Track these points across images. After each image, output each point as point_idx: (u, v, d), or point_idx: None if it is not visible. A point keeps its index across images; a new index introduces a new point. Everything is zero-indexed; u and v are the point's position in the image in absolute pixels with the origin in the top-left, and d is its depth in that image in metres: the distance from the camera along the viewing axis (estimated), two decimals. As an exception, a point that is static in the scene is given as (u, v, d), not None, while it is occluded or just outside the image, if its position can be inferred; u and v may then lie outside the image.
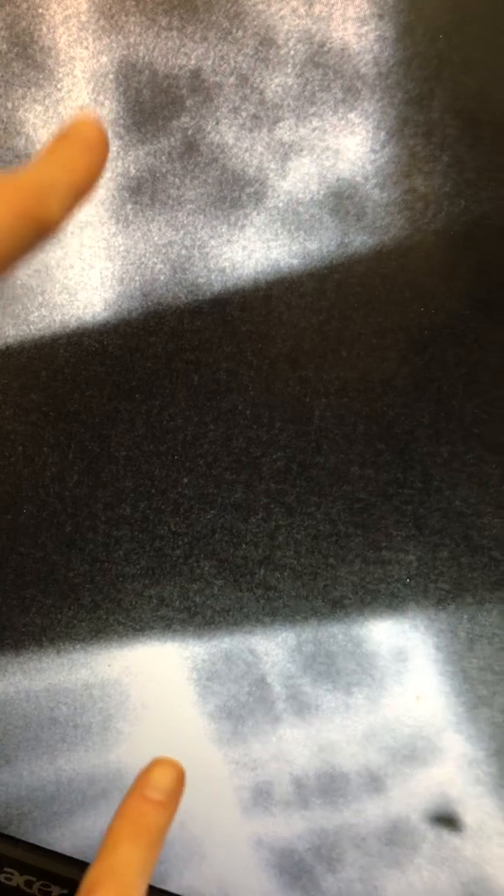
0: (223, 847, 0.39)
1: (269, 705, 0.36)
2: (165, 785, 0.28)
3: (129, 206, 0.34)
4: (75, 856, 0.40)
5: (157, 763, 0.28)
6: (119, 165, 0.33)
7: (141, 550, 0.36)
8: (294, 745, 0.36)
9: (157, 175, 0.33)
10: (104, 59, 0.33)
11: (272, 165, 0.32)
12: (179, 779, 0.28)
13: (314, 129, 0.31)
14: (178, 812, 0.39)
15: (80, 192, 0.20)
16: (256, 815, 0.38)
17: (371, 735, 0.36)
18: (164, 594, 0.37)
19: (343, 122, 0.31)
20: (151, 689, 0.38)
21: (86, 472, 0.36)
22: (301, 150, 0.32)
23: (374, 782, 0.36)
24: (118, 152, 0.33)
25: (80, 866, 0.40)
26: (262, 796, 0.37)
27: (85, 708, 0.39)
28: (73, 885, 0.40)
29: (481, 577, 0.33)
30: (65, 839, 0.40)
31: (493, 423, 0.32)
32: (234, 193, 0.32)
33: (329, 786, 0.36)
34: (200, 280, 0.34)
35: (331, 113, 0.31)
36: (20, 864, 0.40)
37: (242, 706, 0.37)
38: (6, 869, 0.40)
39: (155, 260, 0.34)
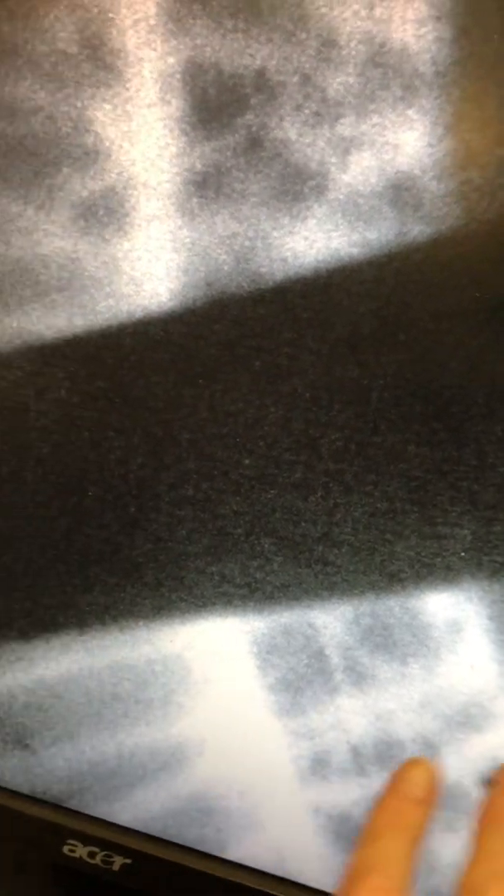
0: (281, 816, 0.40)
1: (327, 677, 0.38)
2: (422, 783, 0.29)
3: (194, 200, 0.35)
4: (136, 827, 0.42)
5: (412, 763, 0.29)
6: (185, 161, 0.35)
7: (203, 529, 0.38)
8: (351, 715, 0.38)
9: (222, 170, 0.35)
10: (171, 60, 0.34)
11: (333, 160, 0.34)
12: (434, 779, 0.29)
13: (374, 125, 0.33)
14: (238, 782, 0.41)
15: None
16: (314, 784, 0.39)
17: (426, 703, 0.37)
18: (225, 571, 0.38)
19: (402, 119, 0.33)
20: (213, 664, 0.39)
21: (150, 456, 0.38)
22: (361, 145, 0.33)
23: (429, 749, 0.37)
24: (184, 148, 0.35)
25: (141, 837, 0.42)
26: (319, 765, 0.39)
27: (147, 683, 0.40)
28: (134, 854, 0.41)
29: (534, 550, 0.35)
30: (125, 811, 0.42)
31: (545, 401, 0.33)
32: (297, 187, 0.34)
33: (385, 753, 0.38)
34: (263, 270, 0.35)
35: (390, 110, 0.33)
36: (83, 836, 0.42)
37: (301, 678, 0.38)
38: (69, 841, 0.42)
39: (219, 251, 0.35)
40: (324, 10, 0.33)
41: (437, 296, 0.34)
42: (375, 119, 0.33)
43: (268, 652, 0.38)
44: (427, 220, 0.33)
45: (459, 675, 0.37)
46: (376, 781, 0.38)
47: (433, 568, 0.36)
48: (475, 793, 0.37)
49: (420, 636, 0.37)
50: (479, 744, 0.37)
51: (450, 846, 0.38)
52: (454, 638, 0.36)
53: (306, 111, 0.34)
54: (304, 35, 0.33)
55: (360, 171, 0.34)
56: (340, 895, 0.25)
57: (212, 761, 0.40)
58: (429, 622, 0.36)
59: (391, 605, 0.37)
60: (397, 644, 0.37)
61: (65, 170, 0.36)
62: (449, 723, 0.37)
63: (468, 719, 0.37)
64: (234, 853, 0.41)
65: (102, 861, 0.41)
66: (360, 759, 0.38)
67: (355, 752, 0.38)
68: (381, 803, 0.27)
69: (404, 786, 0.28)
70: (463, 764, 0.37)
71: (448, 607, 0.36)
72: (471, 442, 0.35)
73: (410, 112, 0.33)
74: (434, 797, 0.28)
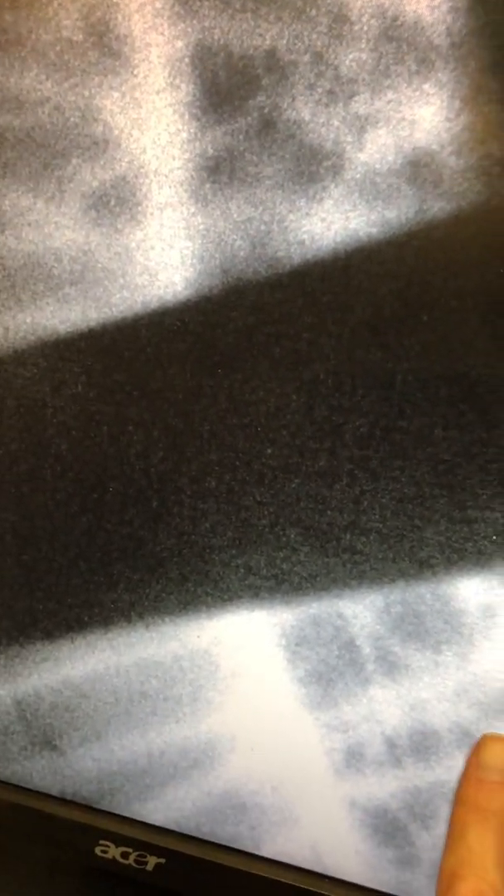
0: (316, 810, 0.39)
1: (359, 667, 0.37)
2: (499, 763, 0.27)
3: (207, 186, 0.35)
4: (168, 826, 0.41)
5: (484, 741, 0.27)
6: (197, 146, 0.34)
7: (227, 522, 0.37)
8: (385, 706, 0.37)
9: (235, 154, 0.34)
10: (179, 43, 0.34)
11: (349, 138, 0.33)
12: None
13: (389, 102, 0.32)
14: (271, 777, 0.40)
15: None
16: (349, 777, 0.39)
17: (461, 691, 0.36)
18: (251, 563, 0.38)
19: (418, 93, 0.32)
20: (241, 658, 0.39)
21: (170, 449, 0.37)
22: (377, 122, 0.33)
23: (466, 738, 0.37)
24: (196, 133, 0.34)
25: (174, 836, 0.41)
26: (354, 758, 0.38)
27: (175, 680, 0.40)
28: (167, 853, 0.41)
29: None
30: (158, 811, 0.41)
31: None
32: (312, 168, 0.33)
33: (421, 744, 0.37)
34: (280, 254, 0.35)
35: (405, 85, 0.32)
36: (115, 836, 0.41)
37: (332, 669, 0.38)
38: (101, 842, 0.41)
39: (234, 237, 0.35)
40: (334, -16, 0.32)
41: (460, 274, 0.33)
42: (391, 95, 0.32)
43: (297, 644, 0.38)
44: (447, 196, 0.32)
45: (495, 662, 0.36)
46: (412, 773, 0.38)
47: (464, 553, 0.35)
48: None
49: (453, 623, 0.36)
50: (516, 731, 0.36)
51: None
52: (488, 623, 0.35)
53: (319, 90, 0.33)
54: (314, 12, 0.32)
55: (376, 150, 0.33)
56: None
57: (243, 757, 0.40)
58: (461, 608, 0.36)
59: (422, 593, 0.36)
60: (429, 632, 0.36)
61: (74, 160, 0.36)
62: (486, 711, 0.36)
63: (505, 706, 0.36)
64: (270, 850, 0.40)
65: (136, 861, 0.41)
66: (395, 751, 0.38)
67: (390, 743, 0.38)
68: (460, 793, 0.26)
69: (479, 771, 0.27)
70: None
71: (480, 592, 0.35)
72: (500, 423, 0.34)
73: (426, 86, 0.32)
74: None
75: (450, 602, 0.36)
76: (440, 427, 0.34)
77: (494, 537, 0.35)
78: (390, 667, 0.37)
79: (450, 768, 0.37)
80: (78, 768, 0.42)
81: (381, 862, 0.39)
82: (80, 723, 0.41)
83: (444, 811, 0.38)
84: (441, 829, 0.38)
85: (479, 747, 0.26)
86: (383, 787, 0.38)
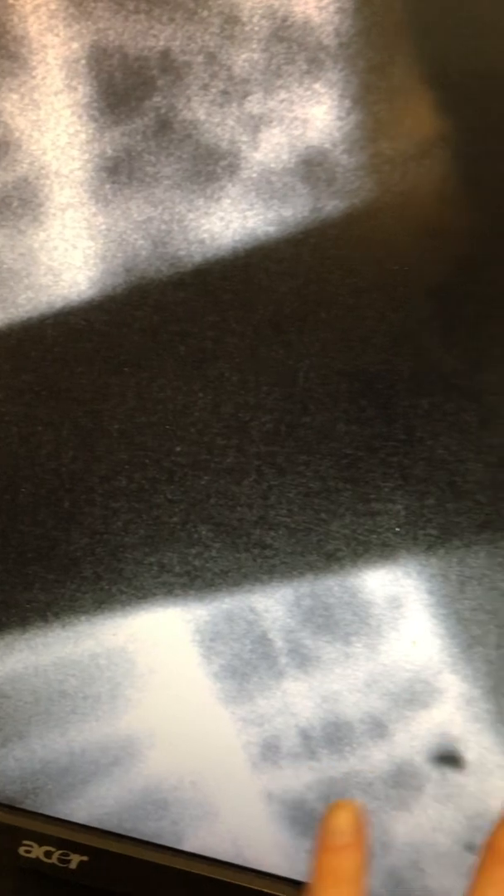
0: (235, 804, 0.40)
1: (272, 661, 0.38)
2: (345, 827, 0.28)
3: (107, 186, 0.35)
4: (92, 824, 0.41)
5: (331, 809, 0.29)
6: (96, 147, 0.35)
7: (139, 520, 0.38)
8: (298, 698, 0.38)
9: (133, 154, 0.34)
10: (75, 45, 0.34)
11: (244, 138, 0.33)
12: (357, 816, 0.29)
13: (282, 101, 0.33)
14: (190, 772, 0.40)
15: None
16: (266, 770, 0.39)
17: (372, 682, 0.37)
18: (164, 561, 0.38)
19: (309, 93, 0.32)
20: (157, 655, 0.39)
21: (81, 448, 0.38)
22: (271, 122, 0.33)
23: (378, 728, 0.37)
24: (94, 134, 0.34)
25: (97, 834, 0.41)
26: (270, 751, 0.39)
27: (93, 678, 0.40)
28: (90, 851, 0.41)
29: (467, 521, 0.34)
30: (81, 809, 0.41)
31: (470, 372, 0.33)
32: (209, 167, 0.34)
33: (334, 735, 0.38)
34: (181, 253, 0.35)
35: (297, 84, 0.33)
36: (38, 836, 0.41)
37: (246, 664, 0.38)
38: (25, 842, 0.41)
39: (135, 236, 0.35)
40: (224, -14, 0.32)
41: (356, 271, 0.33)
42: (283, 95, 0.33)
43: (211, 639, 0.38)
44: (340, 194, 0.33)
45: (402, 652, 0.36)
46: (327, 764, 0.38)
47: (369, 545, 0.36)
48: (425, 768, 0.37)
49: (361, 614, 0.36)
50: (426, 720, 0.37)
51: (403, 823, 0.38)
52: (395, 614, 0.36)
53: (214, 90, 0.33)
54: (206, 13, 0.33)
55: (270, 149, 0.33)
56: None
57: (163, 753, 0.40)
58: (369, 600, 0.36)
59: (331, 585, 0.36)
60: (339, 624, 0.37)
61: (-24, 162, 0.36)
62: (395, 700, 0.37)
63: (414, 696, 0.37)
64: (192, 844, 0.41)
65: (59, 860, 0.41)
66: (309, 743, 0.38)
67: (304, 735, 0.38)
68: (315, 860, 0.27)
69: (329, 838, 0.28)
70: (412, 741, 0.37)
71: (387, 584, 0.36)
72: (399, 417, 0.34)
73: (317, 86, 0.32)
74: (362, 835, 0.28)
75: (357, 594, 0.36)
76: (342, 422, 0.35)
77: (398, 529, 0.35)
78: (302, 659, 0.37)
79: (363, 758, 0.38)
80: (0, 769, 0.42)
81: (299, 853, 0.39)
82: (0, 723, 0.41)
83: (359, 800, 0.38)
84: (357, 818, 0.38)
85: (327, 815, 0.28)
86: (299, 778, 0.39)
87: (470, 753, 0.37)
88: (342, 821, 0.28)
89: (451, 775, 0.37)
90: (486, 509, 0.34)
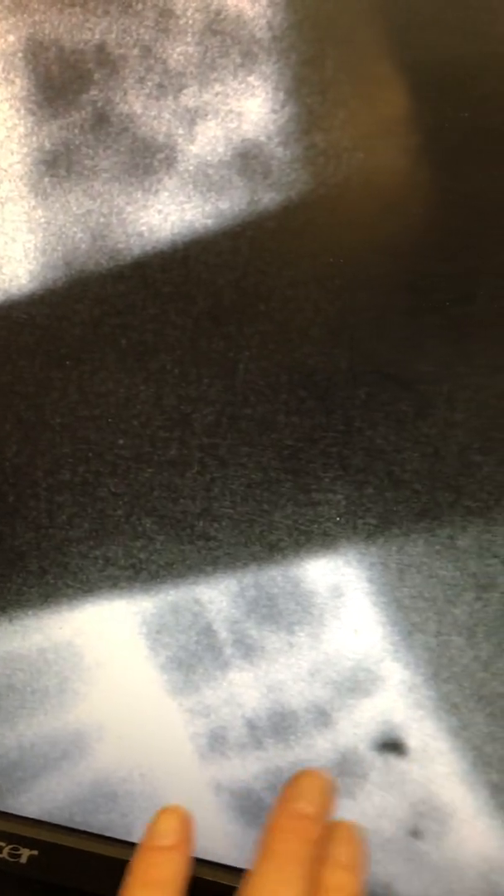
0: (184, 795, 0.40)
1: (217, 652, 0.38)
2: (168, 830, 0.28)
3: (46, 180, 0.35)
4: (42, 818, 0.41)
5: (159, 813, 0.29)
6: (34, 140, 0.35)
7: (83, 513, 0.38)
8: (244, 689, 0.38)
9: (71, 147, 0.34)
10: (11, 38, 0.34)
11: (180, 131, 0.33)
12: (184, 821, 0.29)
13: (217, 94, 0.33)
14: (139, 764, 0.40)
15: None
16: (214, 761, 0.39)
17: (315, 671, 0.37)
18: (108, 554, 0.38)
19: (243, 86, 0.33)
20: (104, 648, 0.39)
21: (23, 442, 0.38)
22: (206, 115, 0.33)
23: (322, 717, 0.38)
24: (32, 128, 0.34)
25: (46, 827, 0.41)
26: (217, 741, 0.39)
27: (41, 672, 0.40)
28: (40, 845, 0.41)
29: (406, 510, 0.35)
30: (31, 803, 0.41)
31: (405, 362, 0.34)
32: (146, 160, 0.34)
33: (280, 724, 0.38)
34: (120, 246, 0.35)
35: (231, 77, 0.33)
36: (-12, 832, 0.41)
37: (192, 655, 0.38)
38: (-25, 837, 0.41)
39: (75, 229, 0.35)
40: (157, -21, 0.32)
41: (293, 263, 0.34)
42: (218, 88, 0.33)
43: (157, 632, 0.38)
44: (276, 187, 0.33)
45: (345, 641, 0.37)
46: (273, 754, 0.38)
47: (311, 535, 0.36)
48: (369, 756, 0.37)
49: (304, 604, 0.37)
50: (369, 708, 0.37)
51: (349, 812, 0.38)
52: (336, 603, 0.36)
53: (149, 83, 0.33)
54: (140, 6, 0.33)
55: (207, 142, 0.33)
56: None
57: (112, 746, 0.40)
58: (311, 589, 0.37)
59: (274, 575, 0.37)
60: (283, 613, 0.37)
61: None
62: (339, 689, 0.37)
63: (357, 684, 0.37)
64: (141, 836, 0.41)
65: (10, 854, 0.41)
66: (256, 733, 0.38)
67: (251, 725, 0.38)
68: (132, 867, 0.27)
69: (149, 838, 0.28)
70: (355, 729, 0.37)
71: (328, 573, 0.36)
72: (337, 408, 0.35)
73: (251, 79, 0.33)
74: (187, 839, 0.28)
75: (300, 584, 0.37)
76: (283, 413, 0.35)
77: (338, 518, 0.36)
78: (247, 650, 0.38)
79: (308, 747, 0.38)
80: (-50, 765, 0.42)
81: (248, 842, 0.40)
82: (-50, 719, 0.41)
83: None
84: (303, 806, 0.39)
85: (154, 817, 0.28)
86: (247, 768, 0.39)
87: (412, 740, 0.37)
88: (165, 824, 0.28)
89: (395, 762, 0.37)
90: (423, 498, 0.34)
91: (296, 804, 0.27)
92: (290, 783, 0.28)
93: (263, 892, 0.25)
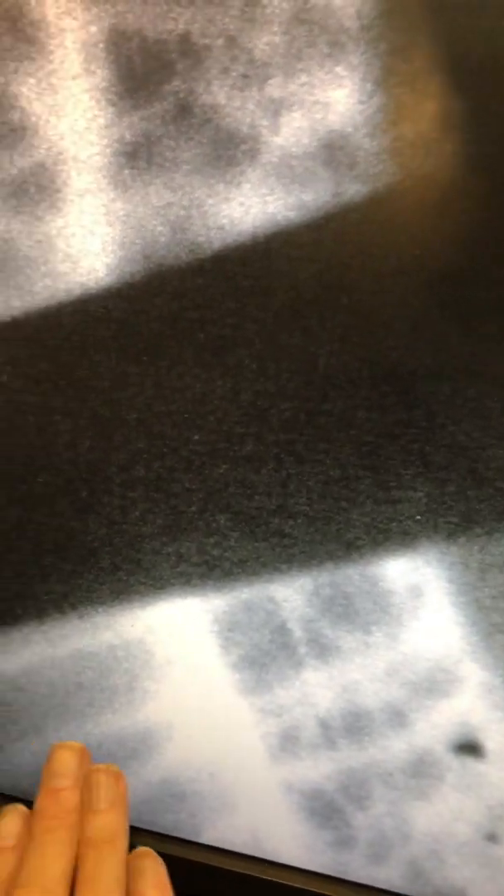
0: (254, 796, 0.40)
1: (291, 651, 0.37)
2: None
3: (126, 172, 0.35)
4: (108, 817, 0.41)
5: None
6: (115, 132, 0.34)
7: (157, 509, 0.37)
8: (317, 688, 0.38)
9: (153, 139, 0.34)
10: (94, 28, 0.34)
11: (264, 122, 0.33)
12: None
13: (303, 85, 0.32)
14: (208, 764, 0.40)
15: None
16: (285, 761, 0.39)
17: (392, 671, 0.37)
18: (181, 550, 0.37)
19: (330, 76, 0.32)
20: (175, 646, 0.39)
21: (98, 437, 0.37)
22: (291, 106, 0.33)
23: (398, 717, 0.37)
24: (112, 119, 0.34)
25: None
26: (289, 741, 0.38)
27: (110, 670, 0.39)
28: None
29: (488, 508, 0.34)
30: (97, 802, 0.41)
31: (491, 357, 0.33)
32: (229, 152, 0.34)
33: (354, 725, 0.38)
34: (200, 239, 0.35)
35: (318, 67, 0.32)
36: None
37: (265, 654, 0.38)
38: (41, 835, 0.41)
39: (154, 222, 0.35)
40: (244, -32, 0.32)
41: (377, 256, 0.33)
42: (304, 78, 0.32)
43: (229, 630, 0.38)
44: (362, 178, 0.33)
45: (423, 641, 0.36)
46: (346, 754, 0.38)
47: (389, 533, 0.35)
48: (446, 758, 0.37)
49: (381, 603, 0.36)
50: (447, 709, 0.37)
51: (423, 813, 0.38)
52: (415, 603, 0.36)
53: (234, 74, 0.33)
54: (226, -4, 0.32)
55: (291, 133, 0.33)
56: None
57: (181, 745, 0.40)
58: (389, 588, 0.36)
59: (350, 574, 0.36)
60: (359, 613, 0.36)
61: (-8, 148, 0.35)
62: (416, 690, 0.37)
63: (434, 685, 0.36)
64: (210, 836, 0.40)
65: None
66: (329, 733, 0.38)
67: (324, 725, 0.38)
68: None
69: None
70: (432, 730, 0.37)
71: (407, 572, 0.36)
72: (420, 403, 0.34)
73: (339, 69, 0.32)
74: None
75: (377, 583, 0.36)
76: (363, 409, 0.35)
77: (418, 517, 0.35)
78: (322, 649, 0.37)
79: (383, 748, 0.38)
80: (17, 763, 0.42)
81: (318, 844, 0.39)
82: (16, 717, 0.41)
83: (378, 791, 0.38)
84: (377, 809, 0.38)
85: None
86: (318, 769, 0.38)
87: (491, 742, 0.36)
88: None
89: (472, 764, 0.37)
90: (508, 496, 0.34)
91: (52, 781, 0.28)
92: (46, 761, 0.28)
93: (31, 877, 0.25)
